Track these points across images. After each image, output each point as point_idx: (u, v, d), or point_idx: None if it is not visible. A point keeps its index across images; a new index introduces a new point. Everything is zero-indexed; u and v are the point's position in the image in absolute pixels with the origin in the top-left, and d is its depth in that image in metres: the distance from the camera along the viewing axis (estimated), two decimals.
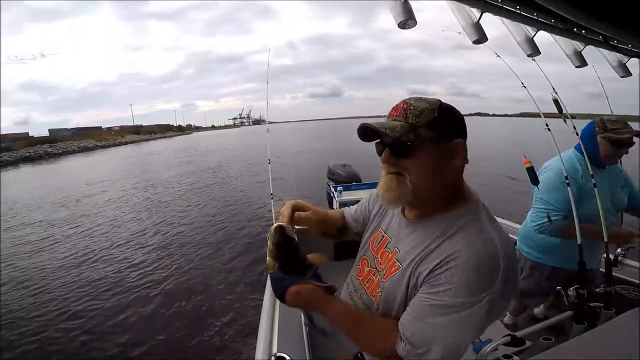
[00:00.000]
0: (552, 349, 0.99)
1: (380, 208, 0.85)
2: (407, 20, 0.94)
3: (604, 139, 1.45)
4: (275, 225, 0.72)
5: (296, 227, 0.81)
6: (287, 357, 1.01)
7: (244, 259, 4.79)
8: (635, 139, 1.44)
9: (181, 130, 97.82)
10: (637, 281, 1.65)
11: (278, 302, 1.37)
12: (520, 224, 1.92)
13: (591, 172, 1.44)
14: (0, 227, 7.20)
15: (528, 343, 1.12)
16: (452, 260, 0.59)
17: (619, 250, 1.76)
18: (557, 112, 1.77)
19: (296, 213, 0.84)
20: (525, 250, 1.72)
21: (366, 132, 0.67)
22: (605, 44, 1.33)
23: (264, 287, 1.63)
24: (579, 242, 1.40)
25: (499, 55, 1.97)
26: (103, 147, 39.34)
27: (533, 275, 1.68)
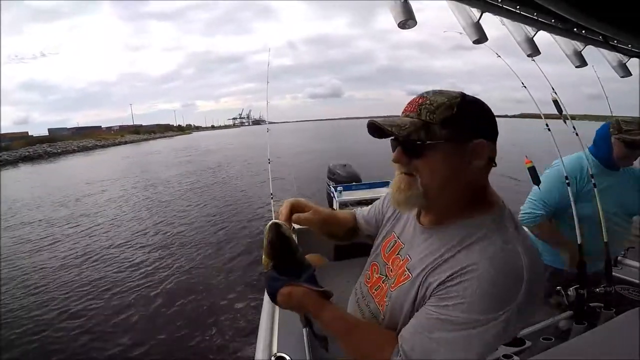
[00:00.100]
0: (552, 349, 1.00)
1: (395, 211, 0.80)
2: (407, 20, 0.94)
3: (617, 140, 1.43)
4: (270, 222, 0.69)
5: (297, 226, 0.80)
6: (287, 357, 1.01)
7: (244, 259, 4.80)
8: None
9: (181, 130, 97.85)
10: (637, 281, 1.65)
11: None
12: None
13: (592, 173, 1.44)
14: (0, 226, 7.19)
15: (528, 343, 1.12)
16: (467, 273, 0.52)
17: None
18: (557, 113, 1.77)
19: (294, 215, 0.80)
20: None
21: (376, 129, 0.62)
22: (605, 44, 1.33)
23: (264, 287, 1.63)
24: (579, 242, 1.40)
25: (499, 55, 1.97)
26: (102, 146, 39.34)
27: None
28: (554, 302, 1.40)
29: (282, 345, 1.10)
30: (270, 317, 1.26)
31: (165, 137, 62.82)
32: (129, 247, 5.57)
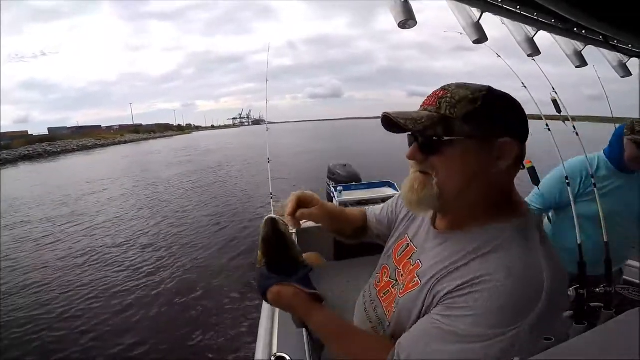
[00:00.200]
0: (552, 349, 0.99)
1: (410, 212, 0.75)
2: (408, 20, 0.94)
3: (630, 141, 1.38)
4: (267, 217, 0.65)
5: (302, 222, 0.76)
6: (287, 357, 1.01)
7: (245, 259, 4.80)
8: None
9: (181, 129, 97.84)
10: (637, 281, 1.65)
11: None
12: None
13: (591, 173, 1.43)
14: (0, 225, 7.19)
15: None
16: (479, 284, 0.48)
17: None
18: (557, 113, 1.77)
19: (299, 211, 0.74)
20: None
21: (390, 122, 0.56)
22: (606, 43, 1.33)
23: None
24: (579, 242, 1.40)
25: (499, 55, 1.97)
26: (102, 145, 39.35)
27: None
28: None
29: (282, 345, 1.10)
30: (270, 317, 1.26)
31: (165, 136, 62.86)
32: (130, 247, 5.58)
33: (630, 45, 1.34)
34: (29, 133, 46.81)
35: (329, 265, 1.81)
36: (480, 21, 1.12)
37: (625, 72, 1.49)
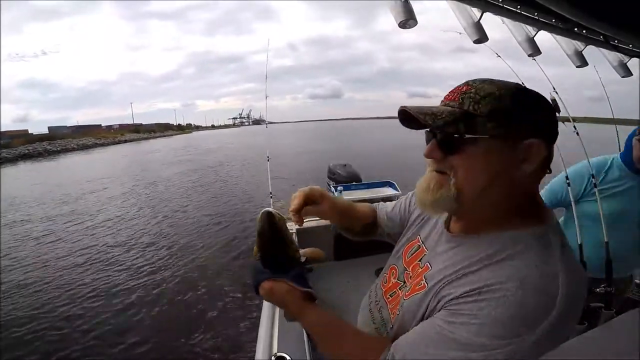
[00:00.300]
0: (552, 350, 0.99)
1: (423, 212, 0.70)
2: (408, 20, 0.94)
3: (638, 141, 1.38)
4: (263, 210, 0.64)
5: (305, 219, 0.75)
6: (287, 357, 1.01)
7: (245, 258, 4.79)
8: None
9: (181, 129, 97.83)
10: (637, 281, 1.65)
11: None
12: None
13: (592, 172, 1.43)
14: (0, 223, 7.19)
15: None
16: (488, 292, 0.45)
17: None
18: (557, 114, 1.77)
19: (305, 209, 0.71)
20: None
21: (407, 117, 0.53)
22: (606, 43, 1.33)
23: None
24: (579, 242, 1.40)
25: (499, 55, 1.97)
26: (102, 145, 39.32)
27: None
28: None
29: (282, 345, 1.10)
30: (270, 317, 1.26)
31: (165, 136, 62.84)
32: (131, 246, 5.58)
33: (630, 45, 1.34)
34: (29, 132, 46.83)
35: (329, 265, 1.81)
36: (481, 21, 1.12)
37: (626, 72, 1.49)
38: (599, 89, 2.23)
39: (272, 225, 0.63)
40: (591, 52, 1.40)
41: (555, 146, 0.52)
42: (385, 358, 0.51)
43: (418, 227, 0.71)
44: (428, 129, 0.55)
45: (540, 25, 1.22)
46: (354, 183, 4.85)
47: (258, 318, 1.32)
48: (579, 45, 1.39)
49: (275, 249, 0.64)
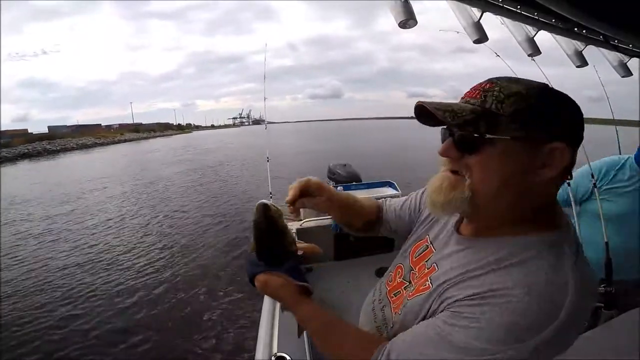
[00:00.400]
0: None
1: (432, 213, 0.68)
2: (408, 20, 0.94)
3: None
4: (259, 202, 0.62)
5: (302, 212, 0.74)
6: (287, 357, 1.01)
7: (245, 262, 4.78)
8: None
9: (180, 129, 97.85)
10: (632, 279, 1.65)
11: (278, 302, 1.37)
12: None
13: (591, 171, 1.43)
14: (0, 222, 7.19)
15: None
16: (492, 297, 0.44)
17: None
18: None
19: (299, 201, 0.70)
20: None
21: (424, 112, 0.51)
22: (606, 43, 1.34)
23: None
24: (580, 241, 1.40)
25: (498, 55, 1.97)
26: (102, 144, 39.26)
27: None
28: None
29: (282, 345, 1.10)
30: (270, 317, 1.26)
31: (164, 135, 62.82)
32: (131, 245, 5.56)
33: (630, 45, 1.34)
34: (29, 131, 46.80)
35: (329, 265, 1.81)
36: (481, 21, 1.12)
37: (626, 71, 1.49)
38: (599, 89, 2.23)
39: (267, 218, 0.61)
40: (591, 52, 1.40)
41: None
42: (380, 355, 0.50)
43: (428, 226, 0.69)
44: (445, 127, 0.53)
45: (540, 25, 1.22)
46: (354, 183, 4.85)
47: (258, 318, 1.32)
48: (579, 45, 1.39)
49: (271, 241, 0.63)
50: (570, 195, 1.43)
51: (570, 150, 0.46)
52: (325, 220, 1.97)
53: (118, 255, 5.16)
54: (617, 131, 2.11)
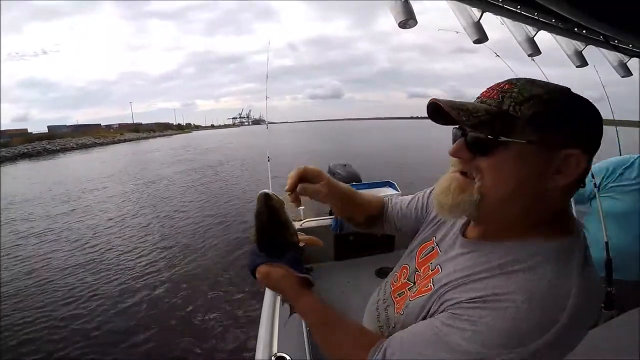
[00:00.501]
0: None
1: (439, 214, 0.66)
2: (408, 20, 0.94)
3: None
4: (260, 192, 0.61)
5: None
6: (287, 357, 1.01)
7: (245, 257, 4.79)
8: None
9: (180, 128, 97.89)
10: (635, 280, 1.65)
11: (278, 301, 1.38)
12: None
13: (591, 171, 1.42)
14: (0, 221, 7.18)
15: None
16: (492, 302, 0.43)
17: None
18: None
19: (300, 185, 0.67)
20: None
21: (437, 111, 0.49)
22: (606, 43, 1.33)
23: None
24: None
25: (498, 55, 1.97)
26: (102, 144, 39.22)
27: None
28: None
29: (282, 345, 1.10)
30: (270, 317, 1.26)
31: (164, 135, 62.84)
32: (132, 245, 5.55)
33: (630, 45, 1.34)
34: (29, 131, 46.80)
35: (329, 265, 1.81)
36: (481, 21, 1.12)
37: (626, 72, 1.49)
38: (598, 89, 2.23)
39: (269, 207, 0.60)
40: (591, 52, 1.40)
41: None
42: (377, 352, 0.49)
43: (435, 227, 0.68)
44: (457, 126, 0.51)
45: (540, 25, 1.22)
46: (354, 183, 4.85)
47: (258, 318, 1.32)
48: (579, 45, 1.39)
49: (272, 232, 0.62)
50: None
51: (586, 157, 0.45)
52: (326, 220, 1.97)
53: (119, 255, 5.16)
54: (617, 131, 2.11)
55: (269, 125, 3.60)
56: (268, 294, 1.47)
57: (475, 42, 1.18)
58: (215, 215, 7.16)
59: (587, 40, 1.34)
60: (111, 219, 7.21)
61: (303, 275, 0.62)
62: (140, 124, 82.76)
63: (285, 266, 0.62)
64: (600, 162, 1.48)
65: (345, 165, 5.40)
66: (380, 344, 0.50)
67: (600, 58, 1.51)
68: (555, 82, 0.50)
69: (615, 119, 2.12)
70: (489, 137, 0.45)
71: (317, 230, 1.90)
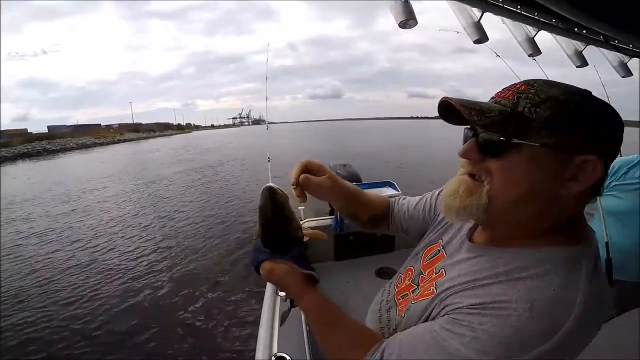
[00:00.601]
0: None
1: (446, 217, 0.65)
2: (408, 20, 0.94)
3: None
4: (265, 186, 0.60)
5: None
6: (287, 357, 1.01)
7: (246, 257, 4.79)
8: None
9: (180, 128, 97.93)
10: (637, 281, 1.65)
11: (278, 301, 1.38)
12: None
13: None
14: (0, 221, 7.18)
15: None
16: (494, 309, 0.42)
17: None
18: None
19: (302, 176, 0.66)
20: None
21: (449, 110, 0.47)
22: (606, 43, 1.34)
23: (265, 285, 1.63)
24: None
25: (498, 55, 1.97)
26: (101, 144, 39.21)
27: None
28: None
29: (282, 345, 1.10)
30: (270, 317, 1.26)
31: (164, 135, 62.86)
32: (133, 245, 5.55)
33: (630, 45, 1.34)
34: (29, 131, 46.82)
35: (329, 265, 1.81)
36: (481, 21, 1.12)
37: (626, 72, 1.49)
38: (599, 89, 2.23)
39: (274, 201, 0.58)
40: (591, 52, 1.40)
41: None
42: (376, 352, 0.49)
43: (442, 230, 0.66)
44: (469, 127, 0.49)
45: (540, 25, 1.22)
46: (354, 183, 4.85)
47: (258, 318, 1.32)
48: (579, 45, 1.39)
49: (277, 227, 0.60)
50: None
51: (603, 163, 0.43)
52: (326, 220, 1.97)
53: (120, 255, 5.16)
54: None
55: (269, 125, 3.59)
56: (268, 294, 1.47)
57: (476, 42, 1.18)
58: (216, 215, 7.16)
59: (587, 40, 1.34)
60: (112, 219, 7.21)
61: (307, 271, 0.61)
62: (140, 124, 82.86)
63: (289, 262, 0.61)
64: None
65: (345, 165, 5.41)
66: (380, 344, 0.50)
67: (601, 58, 1.51)
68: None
69: None
70: (501, 138, 0.43)
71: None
